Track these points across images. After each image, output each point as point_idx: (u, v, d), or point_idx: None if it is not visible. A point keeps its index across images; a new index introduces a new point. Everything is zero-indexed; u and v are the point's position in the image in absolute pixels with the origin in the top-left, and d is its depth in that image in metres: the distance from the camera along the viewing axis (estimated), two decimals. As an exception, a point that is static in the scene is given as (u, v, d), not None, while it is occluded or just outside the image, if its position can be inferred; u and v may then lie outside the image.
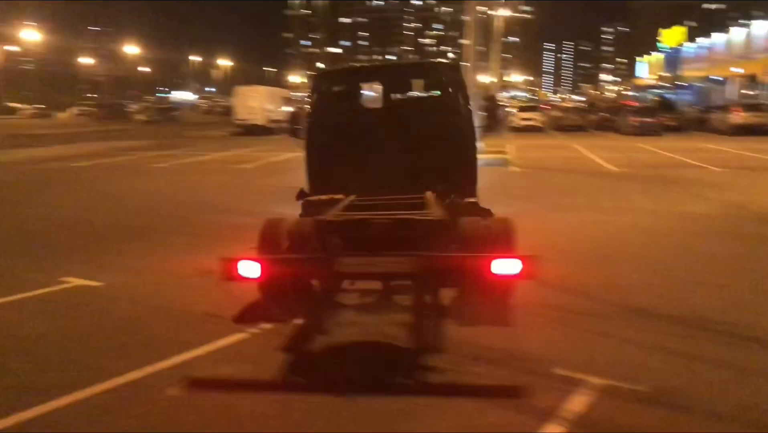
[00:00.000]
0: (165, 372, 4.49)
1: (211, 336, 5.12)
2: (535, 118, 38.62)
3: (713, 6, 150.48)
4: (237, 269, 4.61)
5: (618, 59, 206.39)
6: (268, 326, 5.33)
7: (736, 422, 3.81)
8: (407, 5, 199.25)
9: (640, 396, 4.06)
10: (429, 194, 5.97)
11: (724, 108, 35.16)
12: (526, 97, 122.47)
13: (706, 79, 56.74)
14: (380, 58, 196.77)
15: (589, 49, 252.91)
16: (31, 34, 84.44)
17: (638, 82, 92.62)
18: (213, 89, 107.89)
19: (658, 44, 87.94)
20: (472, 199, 6.78)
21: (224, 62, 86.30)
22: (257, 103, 35.84)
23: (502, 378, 4.37)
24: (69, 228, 9.89)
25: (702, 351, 4.83)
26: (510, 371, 4.47)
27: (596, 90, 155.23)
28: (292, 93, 54.25)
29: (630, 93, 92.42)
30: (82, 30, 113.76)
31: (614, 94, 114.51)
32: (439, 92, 7.81)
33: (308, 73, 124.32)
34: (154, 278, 7.01)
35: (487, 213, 6.33)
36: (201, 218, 10.71)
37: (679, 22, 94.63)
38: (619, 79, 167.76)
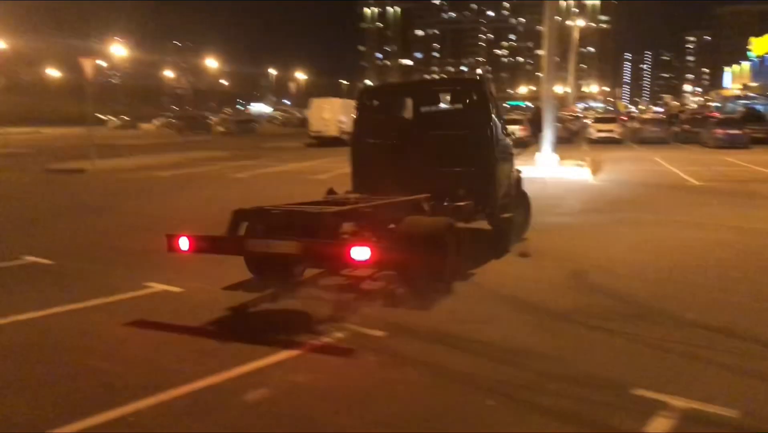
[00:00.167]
0: (243, 377, 4.58)
1: (288, 344, 5.19)
2: (613, 129, 37.45)
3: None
4: (176, 243, 6.07)
5: (702, 69, 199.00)
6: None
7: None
8: (481, 16, 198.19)
9: (727, 422, 3.86)
10: (423, 196, 7.34)
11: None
12: (602, 108, 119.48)
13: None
14: (452, 69, 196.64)
15: (668, 58, 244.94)
16: (118, 49, 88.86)
17: (724, 92, 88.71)
18: (288, 102, 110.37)
19: (749, 53, 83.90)
20: (462, 203, 7.75)
21: (300, 75, 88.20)
22: (331, 115, 36.23)
23: (582, 398, 4.24)
24: (152, 235, 10.27)
25: (796, 377, 4.55)
26: (589, 390, 4.34)
27: (677, 101, 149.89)
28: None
29: (714, 104, 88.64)
30: (166, 44, 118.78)
31: (695, 105, 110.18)
32: (461, 105, 8.77)
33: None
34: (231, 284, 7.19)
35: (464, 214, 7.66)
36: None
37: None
38: (700, 90, 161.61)
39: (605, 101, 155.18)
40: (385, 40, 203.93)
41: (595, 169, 20.24)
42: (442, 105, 9.37)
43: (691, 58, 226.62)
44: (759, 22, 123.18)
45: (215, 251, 6.36)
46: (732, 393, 4.26)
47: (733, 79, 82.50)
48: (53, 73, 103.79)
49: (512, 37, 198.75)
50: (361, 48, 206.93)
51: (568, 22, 41.65)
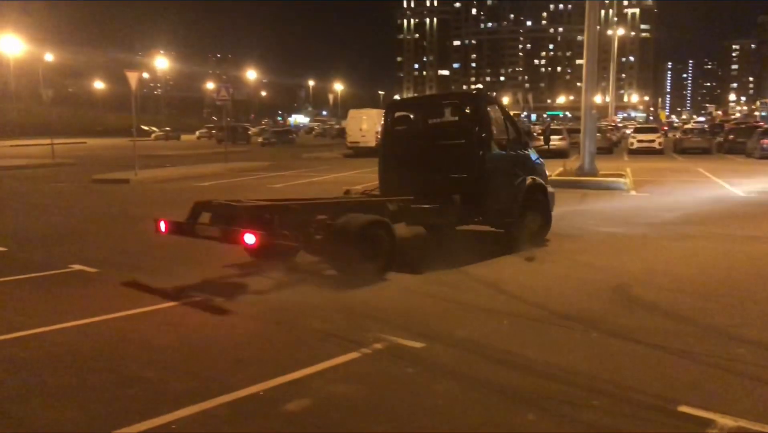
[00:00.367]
0: (283, 387, 4.61)
1: (331, 354, 5.23)
2: (654, 139, 36.83)
3: None
4: (158, 226, 7.84)
5: (747, 78, 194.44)
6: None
7: None
8: (520, 26, 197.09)
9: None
10: (407, 198, 8.77)
11: None
12: (642, 117, 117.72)
13: None
14: (488, 79, 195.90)
15: (710, 67, 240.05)
16: (161, 62, 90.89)
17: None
18: (326, 113, 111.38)
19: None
20: (437, 205, 8.97)
21: (338, 86, 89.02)
22: (369, 125, 36.30)
23: (626, 414, 4.16)
24: (189, 246, 10.44)
25: None
26: (634, 406, 4.25)
27: (720, 110, 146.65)
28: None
29: (760, 113, 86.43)
30: (207, 57, 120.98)
31: (740, 114, 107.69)
32: (458, 118, 9.79)
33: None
34: (274, 295, 7.28)
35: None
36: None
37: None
38: (744, 99, 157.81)
39: (646, 111, 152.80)
40: (422, 50, 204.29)
41: (636, 180, 19.91)
42: (448, 117, 10.29)
43: (735, 66, 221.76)
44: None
45: (180, 233, 7.87)
46: (783, 412, 4.13)
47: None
48: (99, 85, 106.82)
49: (550, 46, 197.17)
50: (399, 59, 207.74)
51: (609, 32, 41.15)
